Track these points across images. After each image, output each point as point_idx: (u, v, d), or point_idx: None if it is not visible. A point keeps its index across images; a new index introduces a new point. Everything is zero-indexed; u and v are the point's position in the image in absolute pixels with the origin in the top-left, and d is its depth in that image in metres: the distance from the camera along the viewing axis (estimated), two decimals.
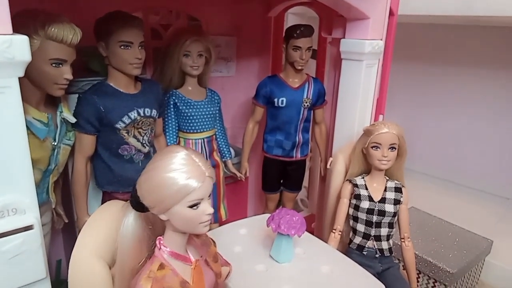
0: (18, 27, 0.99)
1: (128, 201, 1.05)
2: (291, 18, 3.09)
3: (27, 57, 1.00)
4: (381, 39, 2.00)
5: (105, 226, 1.16)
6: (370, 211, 1.72)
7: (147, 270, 1.01)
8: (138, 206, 1.02)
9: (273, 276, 1.43)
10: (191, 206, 0.98)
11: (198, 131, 2.05)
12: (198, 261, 1.12)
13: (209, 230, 1.69)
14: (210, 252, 1.20)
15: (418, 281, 2.28)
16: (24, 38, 0.99)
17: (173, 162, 0.97)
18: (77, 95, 1.63)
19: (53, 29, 1.28)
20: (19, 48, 0.98)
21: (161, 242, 1.06)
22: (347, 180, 1.84)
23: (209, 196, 1.02)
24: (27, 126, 1.08)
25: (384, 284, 1.45)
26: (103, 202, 1.79)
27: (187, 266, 1.09)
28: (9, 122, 1.02)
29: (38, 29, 1.26)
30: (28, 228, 1.09)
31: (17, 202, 1.07)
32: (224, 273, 1.27)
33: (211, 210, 1.02)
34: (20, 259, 1.08)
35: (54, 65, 1.33)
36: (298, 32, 2.08)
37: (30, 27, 1.25)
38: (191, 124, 2.03)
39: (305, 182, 2.74)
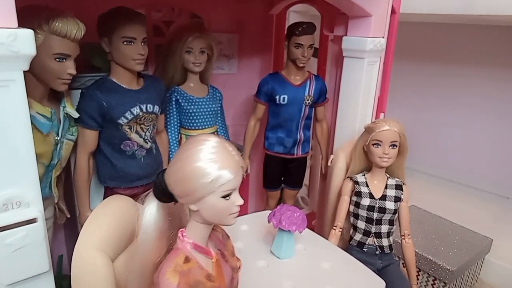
0: (22, 21, 1.00)
1: (151, 191, 1.01)
2: (293, 16, 3.09)
3: (32, 50, 1.01)
4: (383, 37, 2.00)
5: (108, 220, 1.16)
6: (370, 208, 1.73)
7: (171, 263, 0.96)
8: (164, 196, 0.98)
9: (274, 272, 1.44)
10: (224, 196, 0.95)
11: (200, 127, 2.06)
12: (218, 254, 1.10)
13: None
14: (228, 246, 1.17)
15: (418, 279, 2.29)
16: (29, 32, 1.00)
17: (203, 150, 0.93)
18: (80, 91, 1.64)
19: (57, 23, 1.28)
20: (24, 41, 0.98)
21: (184, 234, 1.02)
22: (348, 177, 1.85)
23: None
24: (30, 120, 1.09)
25: (384, 280, 1.45)
26: (105, 197, 1.79)
27: (208, 259, 1.05)
28: (14, 115, 1.02)
29: (42, 23, 1.27)
30: (31, 221, 1.09)
31: (21, 195, 1.08)
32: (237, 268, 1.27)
33: (242, 201, 0.99)
34: (23, 252, 1.09)
35: (57, 59, 1.34)
36: (300, 29, 2.08)
37: (35, 22, 1.25)
38: (193, 121, 2.04)
39: (306, 180, 2.75)
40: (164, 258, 1.02)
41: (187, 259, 0.98)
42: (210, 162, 0.92)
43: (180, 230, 1.04)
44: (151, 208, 1.00)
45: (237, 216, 1.47)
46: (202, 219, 1.00)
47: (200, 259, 1.03)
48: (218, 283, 1.04)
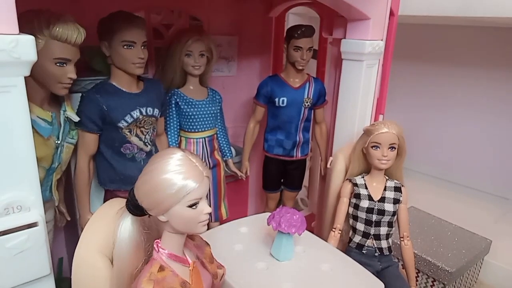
0: (23, 26, 1.01)
1: (124, 206, 1.06)
2: (292, 18, 3.10)
3: (33, 56, 1.02)
4: (382, 40, 2.01)
5: (108, 224, 1.17)
6: (369, 210, 1.74)
7: (147, 273, 1.01)
8: (136, 209, 1.03)
9: (274, 274, 1.45)
10: (190, 206, 1.00)
11: (200, 130, 2.07)
12: (195, 263, 1.14)
13: (210, 228, 1.71)
14: (205, 254, 1.21)
15: (417, 280, 2.30)
16: (30, 38, 1.00)
17: (170, 163, 0.98)
18: (80, 94, 1.65)
19: (57, 28, 1.29)
20: (25, 47, 0.99)
21: (159, 245, 1.07)
22: (347, 179, 1.85)
23: (206, 196, 1.04)
24: (31, 124, 1.10)
25: (383, 282, 1.46)
26: (105, 200, 1.80)
27: (185, 268, 1.10)
28: (15, 120, 1.03)
29: (43, 28, 1.28)
30: (32, 225, 1.10)
31: (22, 199, 1.09)
32: (219, 275, 1.29)
33: (209, 210, 1.04)
34: (24, 255, 1.10)
35: (58, 64, 1.34)
36: (299, 32, 2.09)
37: (35, 27, 1.26)
38: (193, 124, 2.04)
39: (305, 182, 2.76)
40: (141, 269, 1.06)
41: (161, 268, 1.03)
42: (175, 174, 0.97)
43: (156, 241, 1.08)
44: (126, 223, 1.06)
45: (237, 219, 1.48)
46: (173, 229, 1.05)
47: (177, 268, 1.07)
48: None
